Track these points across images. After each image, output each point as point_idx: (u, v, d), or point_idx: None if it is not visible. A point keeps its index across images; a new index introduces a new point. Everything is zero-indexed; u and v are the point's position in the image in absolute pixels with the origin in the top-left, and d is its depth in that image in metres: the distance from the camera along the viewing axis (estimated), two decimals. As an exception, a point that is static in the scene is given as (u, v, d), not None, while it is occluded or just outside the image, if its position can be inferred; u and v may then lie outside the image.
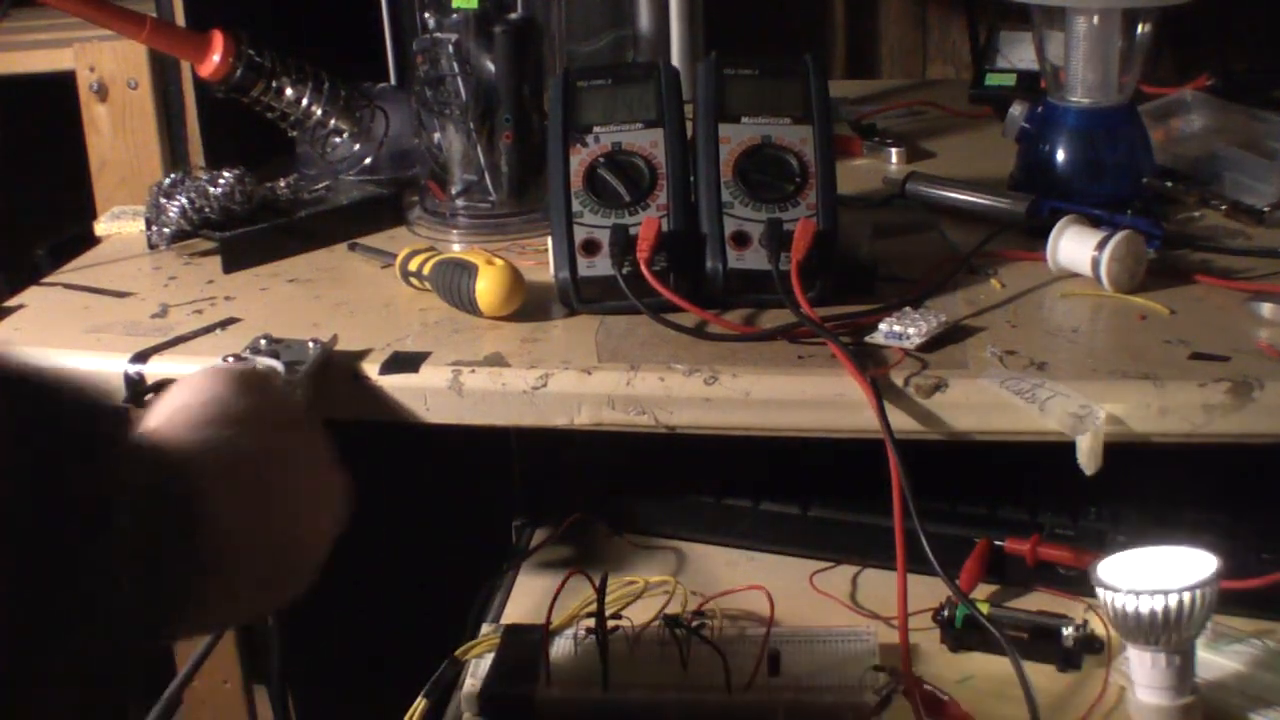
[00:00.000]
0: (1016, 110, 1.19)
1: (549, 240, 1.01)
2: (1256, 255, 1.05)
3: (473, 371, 0.92)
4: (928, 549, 0.84)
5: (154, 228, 1.17)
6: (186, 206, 1.15)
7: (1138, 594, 0.84)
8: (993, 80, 1.48)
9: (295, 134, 1.27)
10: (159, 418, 0.67)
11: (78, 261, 1.18)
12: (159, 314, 1.05)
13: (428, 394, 0.92)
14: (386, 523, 1.52)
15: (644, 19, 1.51)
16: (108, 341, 1.00)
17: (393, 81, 1.34)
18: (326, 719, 1.42)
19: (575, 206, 1.00)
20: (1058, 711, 0.95)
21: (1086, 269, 1.01)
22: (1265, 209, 1.13)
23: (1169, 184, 1.18)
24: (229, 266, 1.13)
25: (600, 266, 0.98)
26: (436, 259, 1.03)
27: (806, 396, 0.89)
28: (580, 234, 0.99)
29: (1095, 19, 1.12)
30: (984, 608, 1.00)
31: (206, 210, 1.15)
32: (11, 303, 1.08)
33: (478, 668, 1.01)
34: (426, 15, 1.15)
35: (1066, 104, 1.15)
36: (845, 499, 1.15)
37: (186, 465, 0.61)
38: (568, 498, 1.24)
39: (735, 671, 0.96)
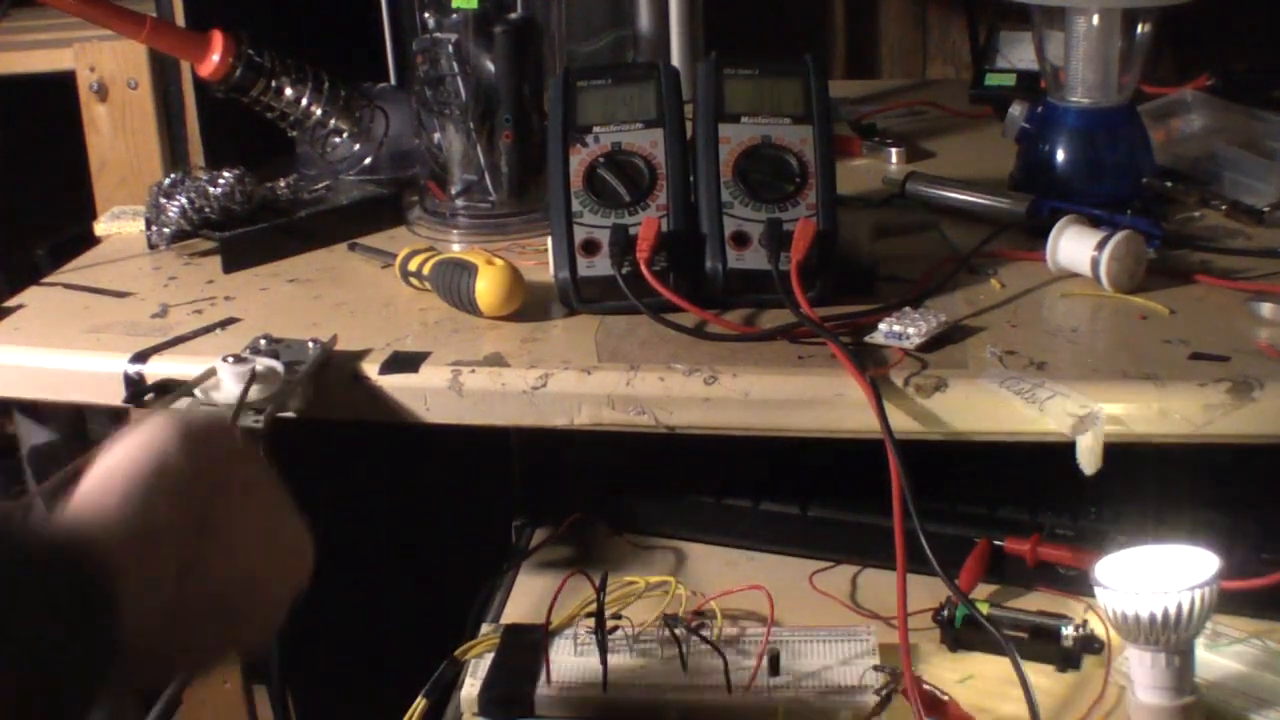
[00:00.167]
0: (1016, 110, 1.20)
1: (549, 240, 1.01)
2: (1256, 255, 1.05)
3: (473, 371, 0.92)
4: (927, 549, 0.84)
5: (154, 228, 1.17)
6: (186, 206, 1.15)
7: (1138, 594, 0.84)
8: (993, 80, 1.48)
9: (295, 134, 1.27)
10: (88, 485, 0.64)
11: (78, 261, 1.18)
12: (159, 314, 1.05)
13: (428, 394, 0.92)
14: (386, 523, 1.53)
15: (644, 19, 1.51)
16: (108, 341, 1.00)
17: (393, 81, 1.34)
18: (326, 719, 1.42)
19: (575, 206, 1.00)
20: (1057, 711, 0.95)
21: (1086, 269, 1.01)
22: (1265, 209, 1.13)
23: (1169, 184, 1.18)
24: (229, 266, 1.13)
25: (600, 266, 0.98)
26: (436, 259, 1.03)
27: (806, 396, 0.89)
28: (580, 234, 0.99)
29: (1095, 19, 1.12)
30: (984, 608, 1.00)
31: (206, 210, 1.15)
32: (11, 303, 1.08)
33: (478, 668, 1.01)
34: (426, 15, 1.15)
35: (1066, 104, 1.15)
36: (845, 499, 1.15)
37: (95, 545, 0.59)
38: (568, 498, 1.24)
39: (735, 671, 0.96)
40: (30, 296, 1.10)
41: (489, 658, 1.01)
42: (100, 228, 1.24)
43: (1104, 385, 0.86)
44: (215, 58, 1.18)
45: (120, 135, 1.43)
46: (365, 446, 1.39)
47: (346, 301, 1.06)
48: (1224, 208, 1.14)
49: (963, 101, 1.51)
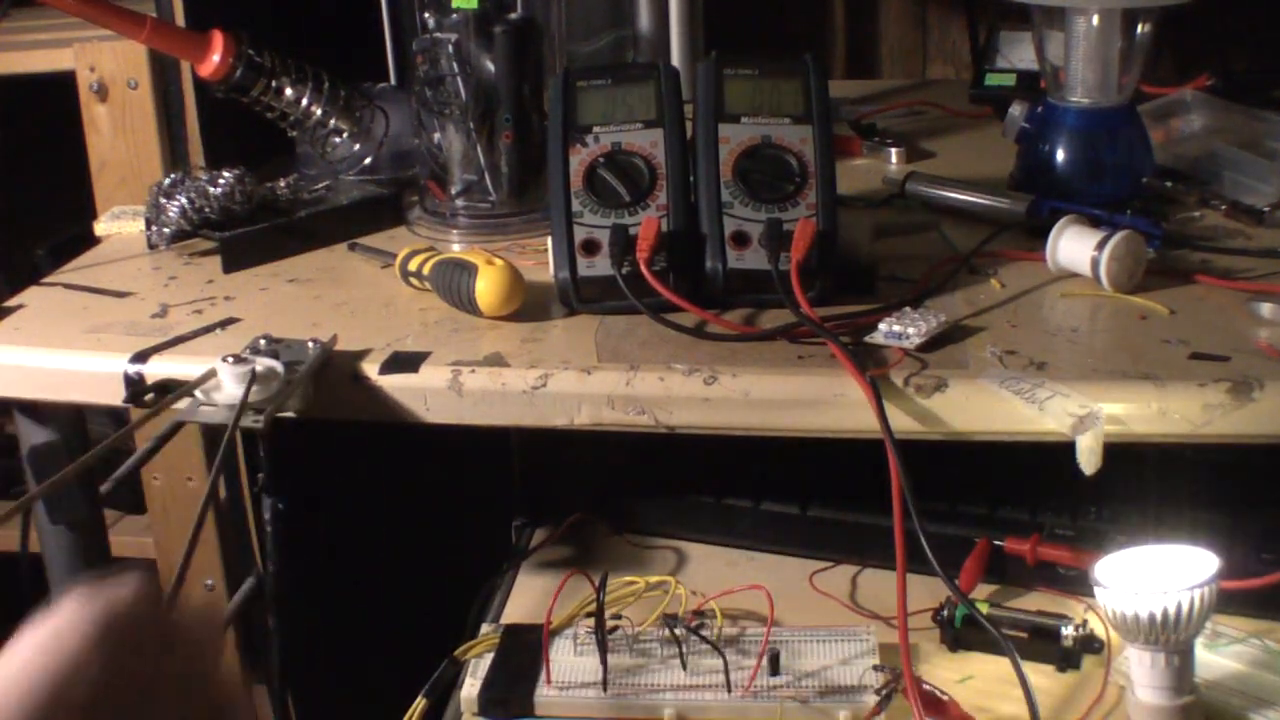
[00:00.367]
0: (1016, 110, 1.19)
1: (549, 240, 1.01)
2: (1256, 255, 1.05)
3: (472, 371, 0.92)
4: (927, 549, 0.84)
5: (154, 228, 1.17)
6: (186, 206, 1.15)
7: (1138, 594, 0.84)
8: (993, 80, 1.48)
9: (295, 134, 1.27)
10: None
11: (78, 261, 1.18)
12: (159, 314, 1.05)
13: (428, 394, 0.92)
14: (386, 523, 1.53)
15: (644, 19, 1.51)
16: (107, 341, 1.00)
17: (393, 81, 1.34)
18: (326, 719, 1.42)
19: (575, 206, 1.00)
20: (1057, 711, 0.95)
21: (1086, 269, 1.01)
22: (1265, 209, 1.13)
23: (1169, 184, 1.18)
24: (229, 266, 1.13)
25: (600, 266, 0.98)
26: (436, 259, 1.03)
27: (806, 396, 0.89)
28: (580, 234, 0.99)
29: (1095, 19, 1.12)
30: (983, 608, 1.00)
31: (206, 210, 1.15)
32: (11, 303, 1.08)
33: (478, 668, 1.01)
34: (426, 15, 1.15)
35: (1066, 104, 1.15)
36: (845, 499, 1.15)
37: None
38: (568, 498, 1.24)
39: (735, 671, 0.96)
40: (30, 296, 1.10)
41: (489, 658, 1.02)
42: (100, 228, 1.24)
43: (1104, 385, 0.86)
44: (215, 58, 1.18)
45: (120, 135, 1.43)
46: (365, 446, 1.39)
47: (346, 301, 1.06)
48: (1224, 208, 1.14)
49: (963, 101, 1.51)
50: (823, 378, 0.89)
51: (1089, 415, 0.85)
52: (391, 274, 1.08)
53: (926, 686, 0.89)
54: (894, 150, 1.36)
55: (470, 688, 0.99)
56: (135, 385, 0.96)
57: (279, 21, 1.34)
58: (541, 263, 1.05)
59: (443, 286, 1.02)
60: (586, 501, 1.23)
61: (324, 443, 1.18)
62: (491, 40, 1.14)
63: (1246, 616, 1.01)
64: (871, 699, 0.92)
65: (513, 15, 1.15)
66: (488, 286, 0.98)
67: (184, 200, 1.15)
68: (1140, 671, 0.87)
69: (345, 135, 1.26)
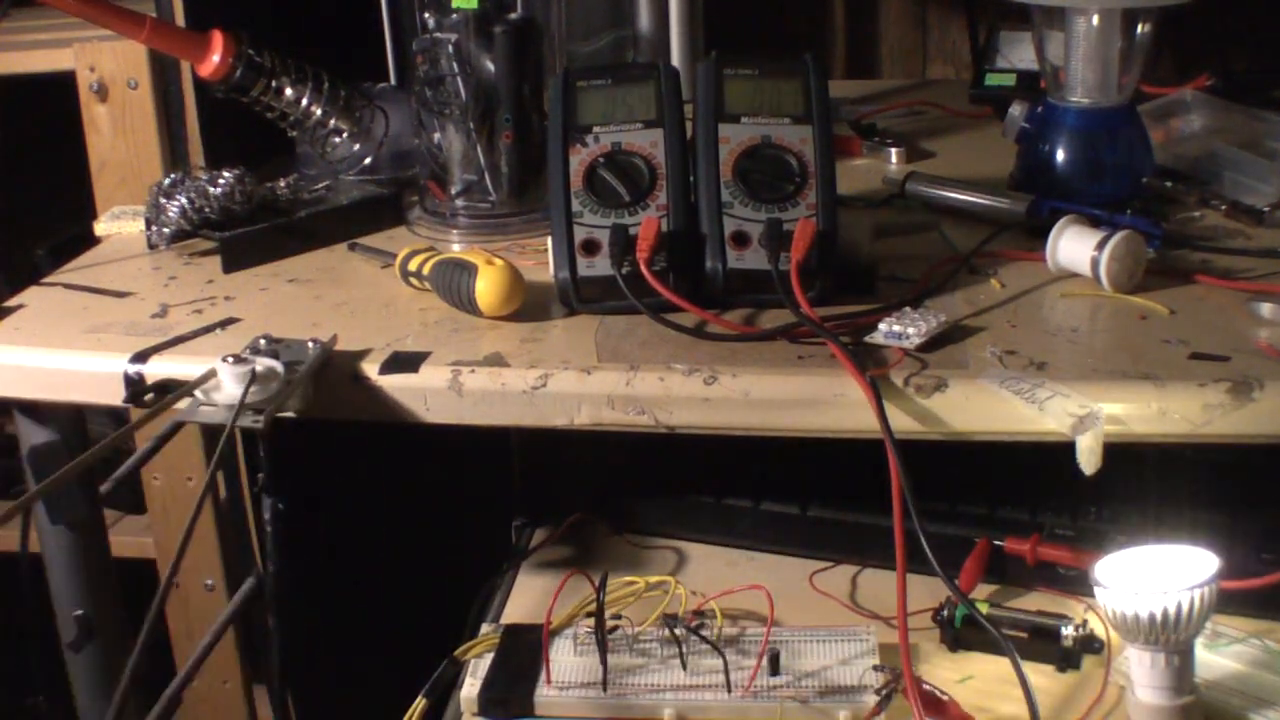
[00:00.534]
0: (1016, 110, 1.19)
1: (549, 240, 1.01)
2: (1256, 255, 1.05)
3: (472, 371, 0.92)
4: (927, 549, 0.84)
5: (154, 228, 1.17)
6: (186, 206, 1.15)
7: (1138, 594, 0.84)
8: (993, 80, 1.48)
9: (295, 134, 1.27)
10: None
11: (78, 261, 1.18)
12: (159, 314, 1.05)
13: (428, 394, 0.92)
14: (386, 523, 1.53)
15: (644, 19, 1.52)
16: (107, 341, 1.00)
17: (393, 81, 1.34)
18: (326, 719, 1.42)
19: (575, 206, 1.00)
20: (1057, 711, 0.95)
21: (1086, 269, 1.01)
22: (1265, 209, 1.13)
23: (1169, 184, 1.18)
24: (229, 266, 1.13)
25: (600, 266, 0.98)
26: (436, 259, 1.03)
27: (806, 396, 0.89)
28: (580, 234, 0.99)
29: (1095, 19, 1.12)
30: (983, 608, 1.00)
31: (206, 210, 1.15)
32: (11, 303, 1.08)
33: (478, 668, 1.01)
34: (426, 15, 1.15)
35: (1066, 104, 1.15)
36: (845, 499, 1.15)
37: None
38: (568, 498, 1.24)
39: (735, 671, 0.96)
40: (30, 296, 1.10)
41: (489, 658, 1.01)
42: (100, 228, 1.24)
43: (1104, 385, 0.86)
44: (215, 58, 1.18)
45: (120, 135, 1.43)
46: (365, 446, 1.39)
47: (346, 301, 1.06)
48: (1224, 208, 1.15)
49: (963, 101, 1.51)
50: (823, 378, 0.89)
51: (1089, 415, 0.85)
52: (391, 274, 1.08)
53: (926, 686, 0.89)
54: (894, 150, 1.36)
55: (470, 688, 0.99)
56: (135, 385, 0.96)
57: (279, 21, 1.34)
58: (541, 263, 1.05)
59: (443, 286, 1.02)
60: (586, 501, 1.23)
61: (324, 443, 1.18)
62: (491, 40, 1.14)
63: (1246, 616, 1.01)
64: (871, 699, 0.92)
65: (513, 15, 1.15)
66: (488, 286, 0.98)
67: (184, 200, 1.15)
68: (1140, 671, 0.87)
69: (345, 135, 1.26)
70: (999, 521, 1.10)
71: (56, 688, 1.19)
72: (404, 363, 0.93)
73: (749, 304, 0.99)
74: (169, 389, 0.92)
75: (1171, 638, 0.85)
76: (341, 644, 1.48)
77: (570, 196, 1.00)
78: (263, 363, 0.91)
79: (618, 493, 1.23)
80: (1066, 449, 0.85)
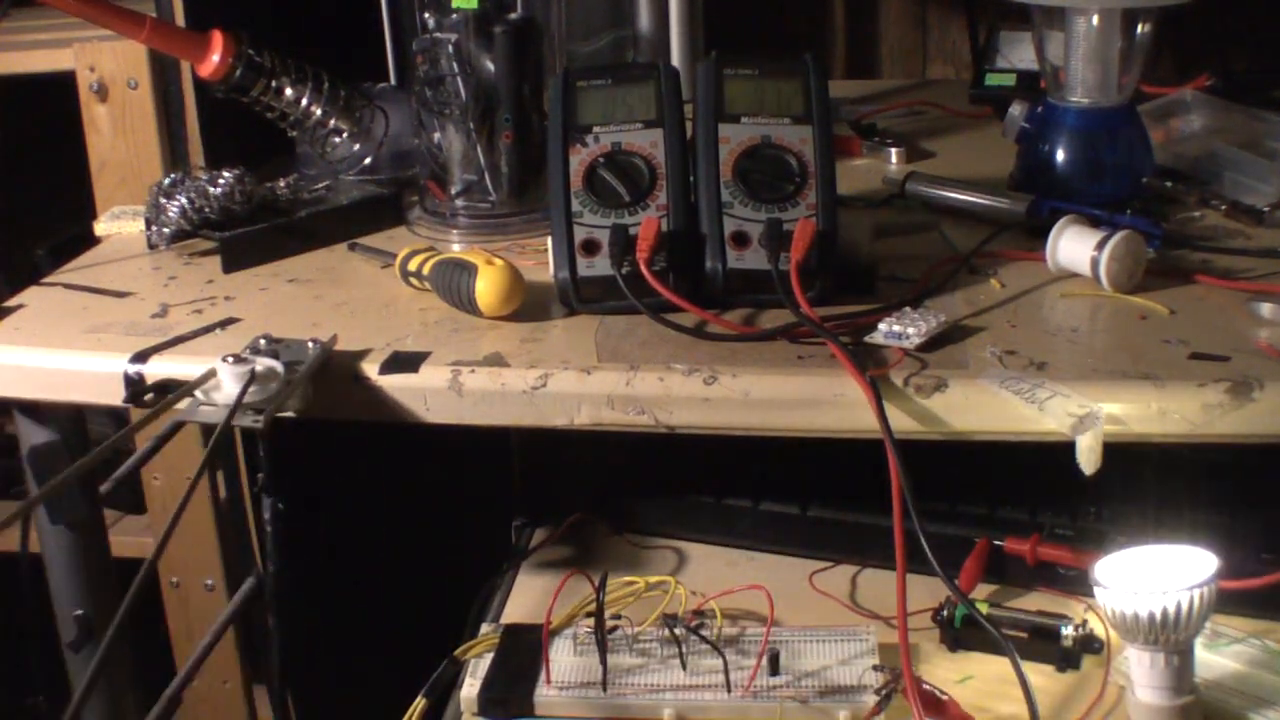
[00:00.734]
0: (1016, 110, 1.19)
1: (549, 240, 1.01)
2: (1256, 255, 1.05)
3: (472, 371, 0.92)
4: (927, 549, 0.84)
5: (154, 228, 1.17)
6: (186, 206, 1.15)
7: (1138, 594, 0.84)
8: (993, 80, 1.48)
9: (295, 134, 1.27)
10: None
11: (78, 261, 1.18)
12: (159, 314, 1.05)
13: (427, 394, 0.92)
14: (386, 523, 1.53)
15: (644, 19, 1.52)
16: (107, 341, 1.00)
17: (393, 81, 1.34)
18: (326, 719, 1.42)
19: (575, 206, 1.00)
20: (1057, 711, 0.95)
21: (1086, 269, 1.01)
22: (1265, 209, 1.13)
23: (1169, 184, 1.18)
24: (229, 266, 1.13)
25: (600, 266, 0.98)
26: (436, 259, 1.03)
27: (806, 396, 0.89)
28: (580, 234, 0.99)
29: (1095, 19, 1.12)
30: (983, 608, 1.00)
31: (206, 210, 1.15)
32: (11, 303, 1.08)
33: (477, 668, 1.01)
34: (426, 15, 1.15)
35: (1066, 104, 1.15)
36: (845, 499, 1.15)
37: None
38: (568, 498, 1.24)
39: (735, 671, 0.96)
40: (30, 296, 1.10)
41: (489, 658, 1.02)
42: (100, 228, 1.24)
43: (1104, 385, 0.86)
44: (215, 58, 1.18)
45: (120, 135, 1.43)
46: (365, 446, 1.39)
47: (346, 301, 1.06)
48: (1224, 208, 1.15)
49: (963, 101, 1.51)
50: (823, 378, 0.89)
51: (1089, 415, 0.85)
52: (391, 274, 1.08)
53: (926, 686, 0.89)
54: (894, 150, 1.36)
55: (470, 688, 0.99)
56: (135, 385, 0.96)
57: (279, 21, 1.34)
58: (541, 263, 1.05)
59: (443, 286, 1.02)
60: (586, 501, 1.23)
61: (324, 443, 1.18)
62: (491, 40, 1.14)
63: (1246, 616, 1.01)
64: (871, 699, 0.92)
65: (513, 15, 1.15)
66: (488, 286, 0.98)
67: (184, 200, 1.15)
68: (1140, 671, 0.87)
69: (345, 135, 1.26)
70: (999, 521, 1.10)
71: (56, 688, 1.19)
72: (404, 363, 0.93)
73: (749, 304, 0.99)
74: (169, 389, 0.92)
75: (1171, 638, 0.85)
76: (341, 644, 1.48)
77: (570, 196, 1.00)
78: (263, 363, 0.91)
79: (618, 493, 1.23)
80: (1066, 449, 0.85)
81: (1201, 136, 1.27)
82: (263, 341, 0.95)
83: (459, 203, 1.19)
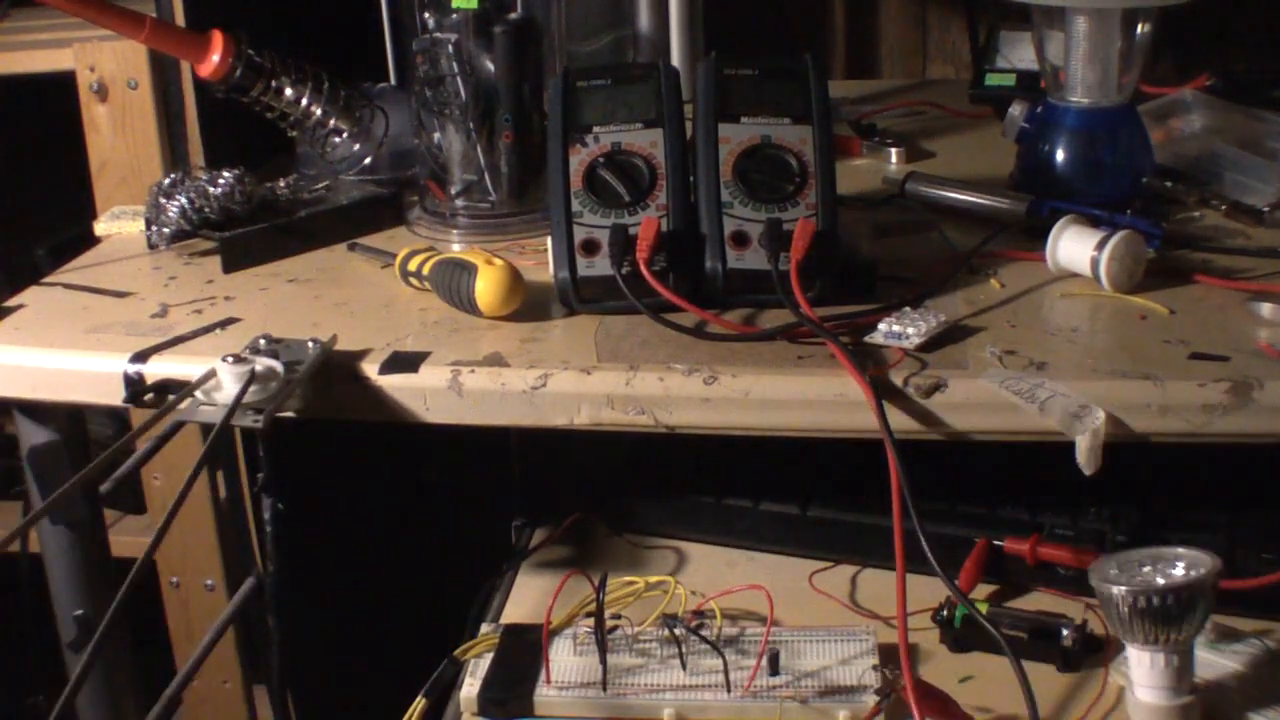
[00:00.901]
0: (1016, 110, 1.19)
1: (549, 240, 1.01)
2: (1256, 255, 1.05)
3: (472, 371, 0.92)
4: (927, 549, 0.84)
5: (154, 228, 1.17)
6: (186, 206, 1.15)
7: (1137, 594, 0.84)
8: (993, 80, 1.48)
9: (295, 134, 1.27)
10: None
11: (78, 261, 1.18)
12: (159, 314, 1.05)
13: (427, 394, 0.92)
14: (386, 523, 1.53)
15: (644, 19, 1.52)
16: (108, 341, 1.00)
17: (393, 81, 1.34)
18: (326, 719, 1.42)
19: (575, 206, 1.00)
20: (1057, 711, 0.95)
21: (1086, 269, 1.01)
22: (1265, 209, 1.13)
23: (1169, 184, 1.18)
24: (229, 266, 1.13)
25: (600, 266, 0.98)
26: (436, 259, 1.03)
27: (806, 396, 0.89)
28: (580, 234, 0.99)
29: (1095, 19, 1.11)
30: (983, 608, 1.00)
31: (206, 210, 1.15)
32: (11, 303, 1.08)
33: (477, 668, 1.01)
34: (426, 15, 1.15)
35: (1066, 104, 1.15)
36: (845, 499, 1.15)
37: None
38: (568, 498, 1.24)
39: (735, 671, 0.96)
40: (30, 296, 1.10)
41: (489, 658, 1.02)
42: (100, 228, 1.24)
43: (1104, 385, 0.86)
44: (215, 58, 1.18)
45: (120, 135, 1.43)
46: (365, 446, 1.39)
47: (346, 301, 1.06)
48: (1224, 208, 1.14)
49: (963, 101, 1.51)
50: (823, 378, 0.89)
51: (1089, 415, 0.85)
52: (391, 274, 1.08)
53: (926, 686, 0.89)
54: (894, 150, 1.36)
55: (470, 688, 0.99)
56: (135, 385, 0.96)
57: (279, 21, 1.34)
58: (541, 263, 1.05)
59: (442, 286, 1.02)
60: (586, 501, 1.23)
61: (324, 443, 1.18)
62: (491, 40, 1.14)
63: (1246, 616, 1.01)
64: (871, 699, 0.92)
65: (513, 15, 1.15)
66: (488, 286, 0.98)
67: (184, 200, 1.15)
68: (1140, 671, 0.87)
69: (345, 135, 1.26)
70: (999, 521, 1.10)
71: (56, 688, 1.19)
72: (404, 363, 0.93)
73: (749, 304, 0.99)
74: (169, 389, 0.92)
75: (1171, 638, 0.85)
76: (341, 644, 1.48)
77: (570, 196, 1.00)
78: (262, 363, 0.91)
79: (618, 493, 1.23)
80: (1066, 449, 0.85)
81: (1201, 136, 1.27)
82: (263, 341, 0.95)
83: (459, 203, 1.19)
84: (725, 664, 0.95)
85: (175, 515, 0.80)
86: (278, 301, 1.07)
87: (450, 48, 1.15)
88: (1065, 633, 0.98)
